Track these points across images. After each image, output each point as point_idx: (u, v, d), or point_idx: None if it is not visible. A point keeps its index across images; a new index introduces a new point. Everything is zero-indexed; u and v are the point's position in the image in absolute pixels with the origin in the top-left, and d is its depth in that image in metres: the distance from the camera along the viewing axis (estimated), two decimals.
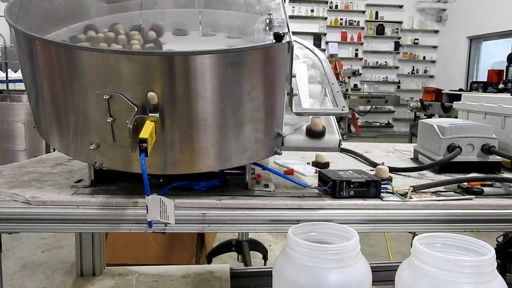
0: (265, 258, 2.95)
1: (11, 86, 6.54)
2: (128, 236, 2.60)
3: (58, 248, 3.47)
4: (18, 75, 7.01)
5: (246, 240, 2.86)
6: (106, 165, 1.08)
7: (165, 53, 1.05)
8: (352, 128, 11.44)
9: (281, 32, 1.00)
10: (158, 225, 1.05)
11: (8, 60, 5.92)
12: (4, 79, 5.98)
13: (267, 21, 1.06)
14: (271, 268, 1.02)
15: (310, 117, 1.23)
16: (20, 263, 3.19)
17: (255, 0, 1.21)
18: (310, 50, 1.50)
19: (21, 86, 6.64)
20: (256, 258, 3.02)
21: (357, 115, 11.49)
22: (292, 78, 1.07)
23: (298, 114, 1.10)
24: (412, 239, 0.98)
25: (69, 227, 1.10)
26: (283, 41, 1.00)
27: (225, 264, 2.29)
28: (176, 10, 1.36)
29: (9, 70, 6.08)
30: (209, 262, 2.86)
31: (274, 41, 1.00)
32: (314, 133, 1.22)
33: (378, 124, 12.59)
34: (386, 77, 12.72)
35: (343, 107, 1.15)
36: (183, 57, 0.97)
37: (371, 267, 0.99)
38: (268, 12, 1.07)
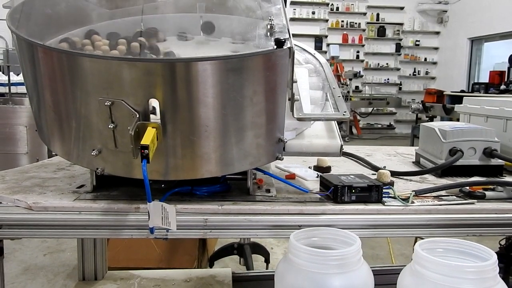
0: (267, 261, 2.95)
1: (13, 89, 6.57)
2: (130, 239, 2.60)
3: (60, 252, 3.47)
4: (20, 78, 7.04)
5: (248, 243, 2.86)
6: (107, 171, 1.08)
7: (167, 60, 1.05)
8: (354, 130, 11.43)
9: (282, 37, 1.00)
10: (160, 231, 1.05)
11: (10, 63, 5.94)
12: (6, 82, 6.00)
13: (268, 26, 1.05)
14: (273, 272, 1.02)
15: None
16: (22, 267, 3.20)
17: (256, 5, 1.21)
18: (311, 54, 1.50)
19: (23, 89, 6.66)
20: (258, 261, 3.02)
21: (358, 117, 11.49)
22: (293, 83, 1.07)
23: (299, 119, 1.10)
24: (415, 242, 0.97)
25: (71, 233, 1.10)
26: (284, 47, 1.00)
27: (227, 267, 2.28)
28: (177, 15, 1.36)
29: (11, 73, 6.10)
30: (211, 265, 2.86)
31: (275, 46, 1.00)
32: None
33: (379, 126, 12.59)
34: (388, 79, 12.72)
35: (344, 112, 1.14)
36: (184, 63, 0.97)
37: (373, 270, 0.99)
38: (269, 18, 1.06)
